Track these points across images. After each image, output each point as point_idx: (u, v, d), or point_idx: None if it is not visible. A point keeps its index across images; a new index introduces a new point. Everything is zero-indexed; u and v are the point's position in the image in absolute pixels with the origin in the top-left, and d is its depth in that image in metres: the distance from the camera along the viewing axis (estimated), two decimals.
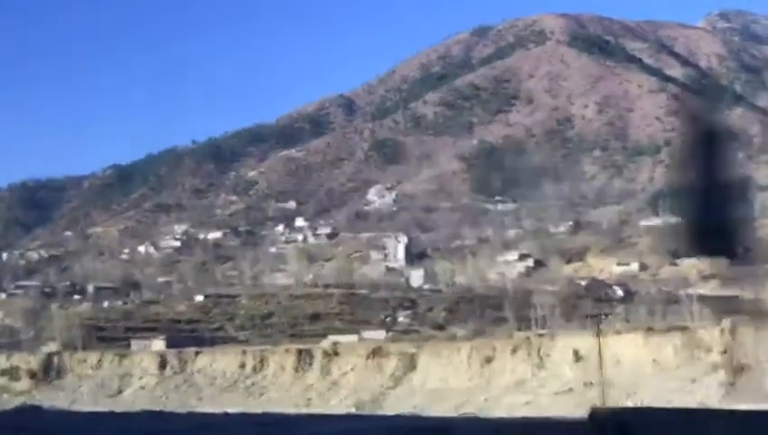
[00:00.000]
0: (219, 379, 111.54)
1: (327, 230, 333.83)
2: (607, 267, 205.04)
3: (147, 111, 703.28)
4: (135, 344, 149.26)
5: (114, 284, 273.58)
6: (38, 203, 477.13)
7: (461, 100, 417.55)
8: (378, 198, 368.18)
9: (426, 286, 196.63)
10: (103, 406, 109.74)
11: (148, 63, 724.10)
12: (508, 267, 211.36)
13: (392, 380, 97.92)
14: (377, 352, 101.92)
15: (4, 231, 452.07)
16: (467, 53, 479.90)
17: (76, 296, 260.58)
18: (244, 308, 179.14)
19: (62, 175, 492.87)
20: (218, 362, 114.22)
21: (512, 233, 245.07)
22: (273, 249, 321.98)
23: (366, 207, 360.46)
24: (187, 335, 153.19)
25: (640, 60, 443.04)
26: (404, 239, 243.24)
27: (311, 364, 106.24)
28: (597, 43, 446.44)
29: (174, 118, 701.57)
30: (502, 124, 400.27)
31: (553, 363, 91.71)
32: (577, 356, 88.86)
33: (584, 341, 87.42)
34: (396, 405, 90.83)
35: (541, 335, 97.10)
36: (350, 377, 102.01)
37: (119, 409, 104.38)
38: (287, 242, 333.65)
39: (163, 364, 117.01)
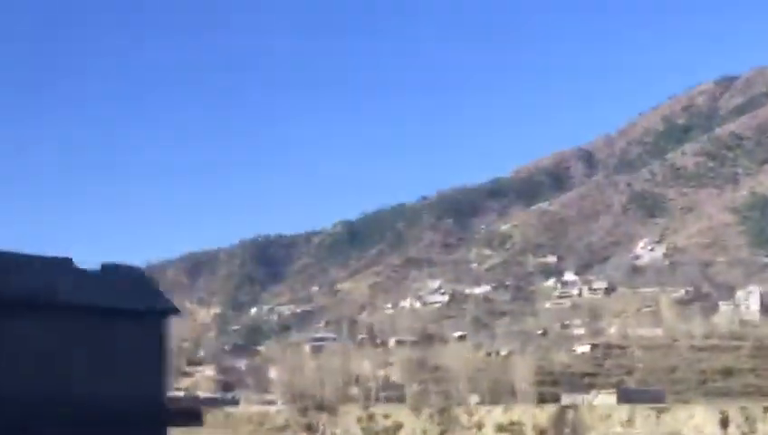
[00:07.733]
0: None
1: (602, 285, 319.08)
2: None
3: (368, 168, 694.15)
4: (566, 398, 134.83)
5: (414, 337, 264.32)
6: (269, 259, 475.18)
7: (724, 150, 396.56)
8: (647, 251, 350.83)
9: None
10: None
11: (369, 120, 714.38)
12: None
13: None
14: None
15: (239, 286, 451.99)
16: (713, 103, 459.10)
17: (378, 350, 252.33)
18: (641, 361, 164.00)
19: (291, 232, 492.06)
20: None
21: None
22: (547, 304, 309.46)
23: (635, 262, 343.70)
24: (638, 388, 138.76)
25: None
26: (756, 290, 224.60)
27: None
28: None
29: (398, 173, 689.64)
30: None
31: None
32: None
33: None
34: None
35: None
36: None
37: None
38: (560, 297, 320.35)
39: (724, 422, 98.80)
